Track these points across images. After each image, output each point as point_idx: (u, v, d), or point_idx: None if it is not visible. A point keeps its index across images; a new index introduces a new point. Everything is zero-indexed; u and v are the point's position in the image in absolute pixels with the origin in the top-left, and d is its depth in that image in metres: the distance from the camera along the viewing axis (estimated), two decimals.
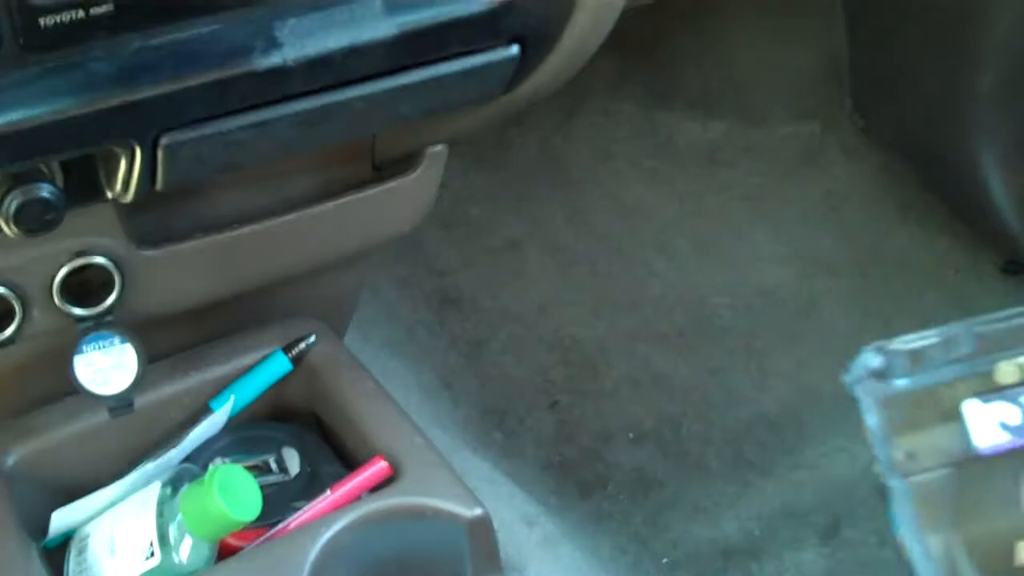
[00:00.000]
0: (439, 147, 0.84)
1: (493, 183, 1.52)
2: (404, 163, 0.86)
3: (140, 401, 0.84)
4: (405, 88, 0.66)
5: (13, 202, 0.64)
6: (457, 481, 0.80)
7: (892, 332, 0.64)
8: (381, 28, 0.63)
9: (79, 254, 0.78)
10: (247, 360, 0.91)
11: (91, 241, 0.78)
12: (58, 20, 0.58)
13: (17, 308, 0.79)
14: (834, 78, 1.56)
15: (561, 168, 1.52)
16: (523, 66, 0.69)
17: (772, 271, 1.41)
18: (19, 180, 0.65)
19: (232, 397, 0.88)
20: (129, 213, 0.78)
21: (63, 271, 0.79)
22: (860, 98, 1.52)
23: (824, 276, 1.40)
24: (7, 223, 0.65)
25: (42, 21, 0.58)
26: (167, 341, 0.90)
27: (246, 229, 0.83)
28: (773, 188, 1.50)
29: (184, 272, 0.83)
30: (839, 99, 1.56)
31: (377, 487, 0.81)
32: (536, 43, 0.61)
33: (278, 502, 0.83)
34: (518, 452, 1.21)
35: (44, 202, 0.65)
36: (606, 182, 1.49)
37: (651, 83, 1.54)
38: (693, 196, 1.48)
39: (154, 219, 0.81)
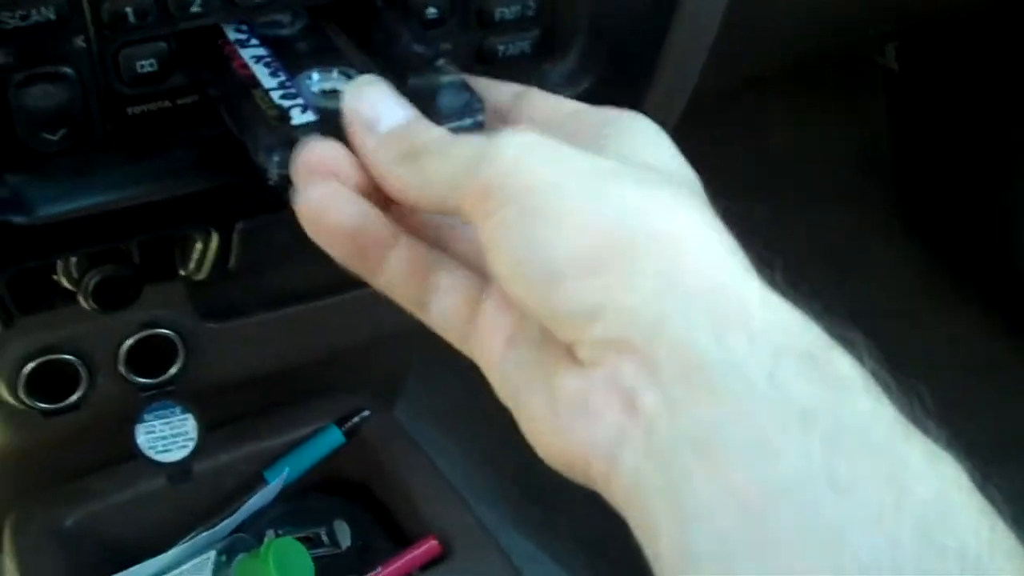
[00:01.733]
0: None
1: None
2: None
3: (196, 468, 0.86)
4: None
5: (93, 279, 0.67)
6: (507, 563, 0.82)
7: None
8: None
9: (146, 325, 0.81)
10: (302, 432, 0.93)
11: (158, 313, 0.81)
12: (146, 109, 0.61)
13: (83, 375, 0.81)
14: (875, 163, 1.58)
15: None
16: None
17: None
18: (99, 258, 0.67)
19: (287, 469, 0.90)
20: (195, 287, 0.81)
21: (130, 341, 0.81)
22: (901, 187, 1.54)
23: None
24: (86, 299, 0.68)
25: (130, 110, 0.60)
26: (224, 410, 0.92)
27: (306, 305, 0.86)
28: (809, 275, 1.51)
29: (246, 345, 0.86)
30: (880, 184, 1.57)
31: (427, 565, 0.83)
32: None
33: None
34: (557, 528, 1.22)
35: (122, 280, 0.67)
36: None
37: (690, 159, 1.56)
38: None
39: (219, 293, 0.84)
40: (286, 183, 0.49)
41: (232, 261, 0.70)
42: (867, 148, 1.56)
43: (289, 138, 0.50)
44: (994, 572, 0.34)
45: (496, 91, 0.52)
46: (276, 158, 0.50)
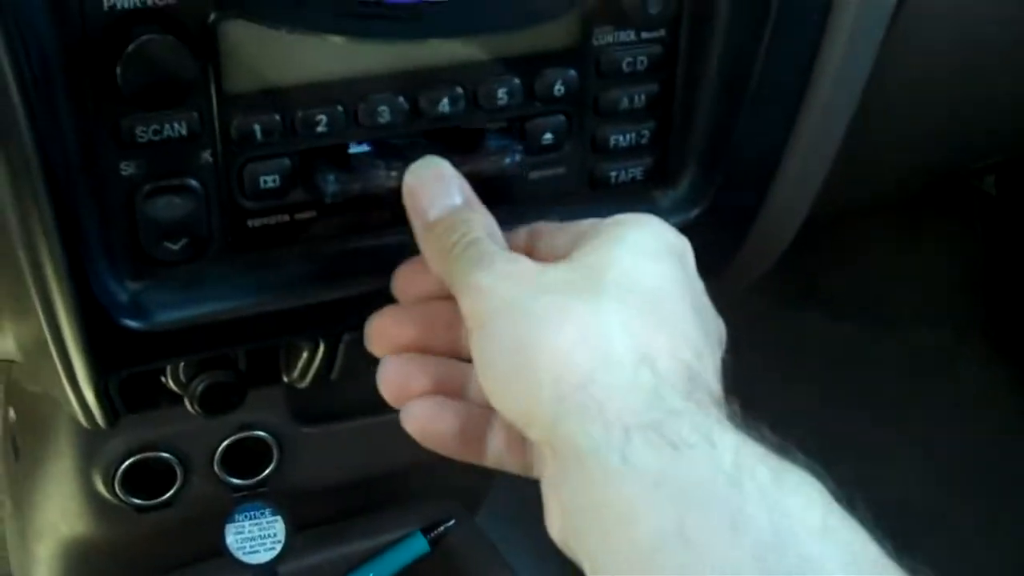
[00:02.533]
0: None
1: None
2: None
3: (282, 570, 0.86)
4: None
5: (200, 385, 0.68)
6: None
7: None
8: None
9: (243, 427, 0.82)
10: (387, 537, 0.93)
11: (256, 416, 0.81)
12: (265, 222, 0.62)
13: (179, 473, 0.82)
14: (969, 286, 1.56)
15: None
16: None
17: (900, 479, 1.40)
18: (207, 364, 0.68)
19: (371, 575, 0.90)
20: (292, 390, 0.81)
21: (226, 442, 0.82)
22: (995, 311, 1.52)
23: (954, 489, 1.39)
24: (191, 402, 0.69)
25: (250, 222, 0.62)
26: (312, 512, 0.93)
27: (398, 414, 0.86)
28: (901, 394, 1.49)
29: (338, 450, 0.86)
30: (974, 308, 1.55)
31: None
32: (706, 267, 0.63)
33: None
34: None
35: (229, 387, 0.68)
36: (734, 377, 1.50)
37: (785, 279, 1.56)
38: (821, 397, 1.48)
39: (315, 398, 0.84)
40: None
41: (336, 371, 0.71)
42: (963, 272, 1.54)
43: None
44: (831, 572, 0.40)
45: (513, 236, 0.58)
46: None
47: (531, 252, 0.56)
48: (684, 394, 0.46)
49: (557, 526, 0.49)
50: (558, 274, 0.51)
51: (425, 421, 0.57)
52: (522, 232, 0.58)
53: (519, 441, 0.55)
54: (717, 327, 0.54)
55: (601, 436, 0.45)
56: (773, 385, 1.50)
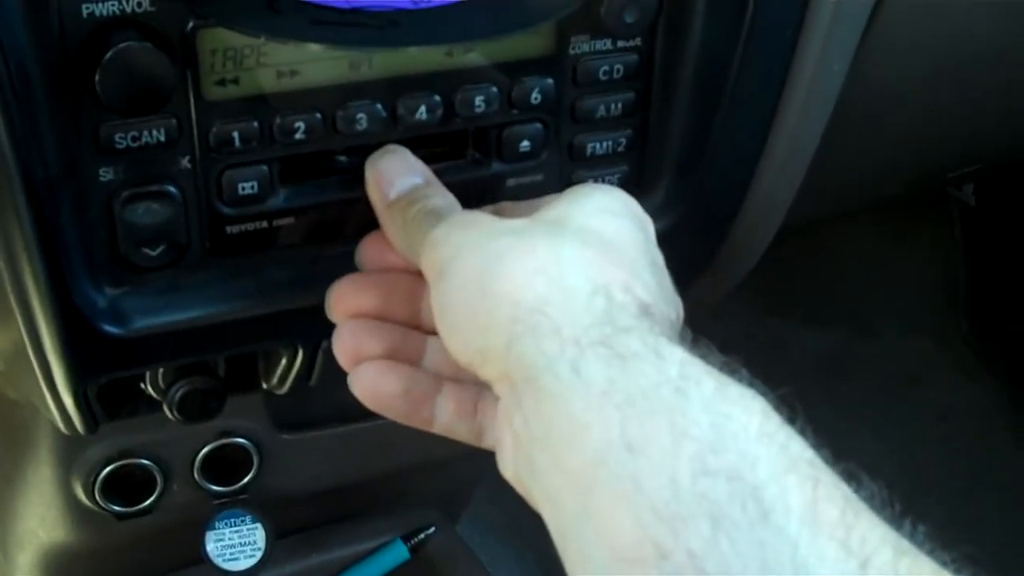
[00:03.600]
0: None
1: None
2: None
3: None
4: None
5: (179, 391, 0.68)
6: None
7: (1001, 562, 0.64)
8: None
9: (223, 434, 0.82)
10: (368, 545, 0.94)
11: (236, 423, 0.81)
12: (244, 229, 0.62)
13: (158, 480, 0.82)
14: (949, 296, 1.57)
15: None
16: None
17: (879, 487, 1.40)
18: (186, 371, 0.68)
19: None
20: (272, 398, 0.81)
21: (206, 449, 0.82)
22: (976, 320, 1.53)
23: (935, 498, 1.39)
24: (170, 409, 0.69)
25: (229, 229, 0.62)
26: (292, 519, 0.93)
27: (378, 421, 0.86)
28: (883, 403, 1.50)
29: (318, 457, 0.86)
30: (953, 318, 1.56)
31: None
32: (682, 275, 0.63)
33: None
34: None
35: (207, 393, 0.68)
36: None
37: (766, 289, 1.56)
38: (806, 405, 1.48)
39: (295, 405, 0.84)
40: None
41: (315, 377, 0.71)
42: (943, 281, 1.55)
43: None
44: (764, 483, 0.41)
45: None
46: None
47: None
48: (636, 317, 0.48)
49: (510, 462, 0.49)
50: (517, 224, 0.52)
51: (372, 383, 0.57)
52: (487, 211, 0.58)
53: (470, 405, 0.56)
54: (676, 303, 0.54)
55: (554, 352, 0.46)
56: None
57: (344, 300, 0.59)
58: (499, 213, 0.58)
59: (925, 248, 1.56)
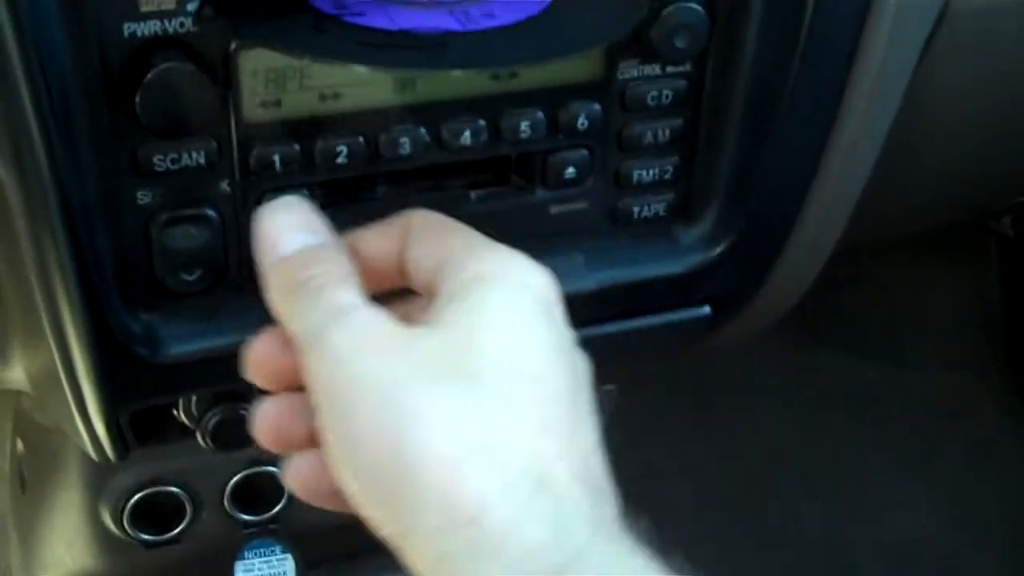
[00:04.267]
0: (611, 386, 0.85)
1: (633, 402, 1.52)
2: None
3: None
4: (599, 339, 0.68)
5: (214, 419, 0.67)
6: None
7: None
8: (582, 282, 0.65)
9: (254, 462, 0.81)
10: (398, 575, 0.92)
11: (268, 452, 0.80)
12: None
13: (188, 509, 0.81)
14: (986, 328, 1.55)
15: (705, 396, 1.52)
16: (715, 323, 0.70)
17: (918, 521, 1.38)
18: (220, 398, 0.67)
19: None
20: None
21: (236, 477, 0.81)
22: (1014, 352, 1.51)
23: (972, 531, 1.37)
24: (204, 437, 0.68)
25: None
26: (321, 550, 0.91)
27: None
28: (921, 436, 1.48)
29: None
30: (991, 350, 1.54)
31: None
32: (729, 304, 0.62)
33: None
34: None
35: (242, 421, 0.67)
36: (751, 415, 1.49)
37: (801, 319, 1.54)
38: (840, 438, 1.47)
39: None
40: None
41: None
42: (980, 313, 1.53)
43: None
44: None
45: (386, 230, 0.52)
46: None
47: (399, 259, 0.51)
48: (589, 521, 0.42)
49: None
50: (430, 345, 0.45)
51: (307, 479, 0.50)
52: (394, 229, 0.52)
53: None
54: (584, 370, 0.48)
55: None
56: (789, 426, 1.49)
57: (263, 364, 0.51)
58: (406, 239, 0.51)
59: (962, 279, 1.54)
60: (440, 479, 0.42)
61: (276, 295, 0.49)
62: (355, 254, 0.51)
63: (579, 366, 0.47)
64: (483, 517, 0.41)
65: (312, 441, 0.48)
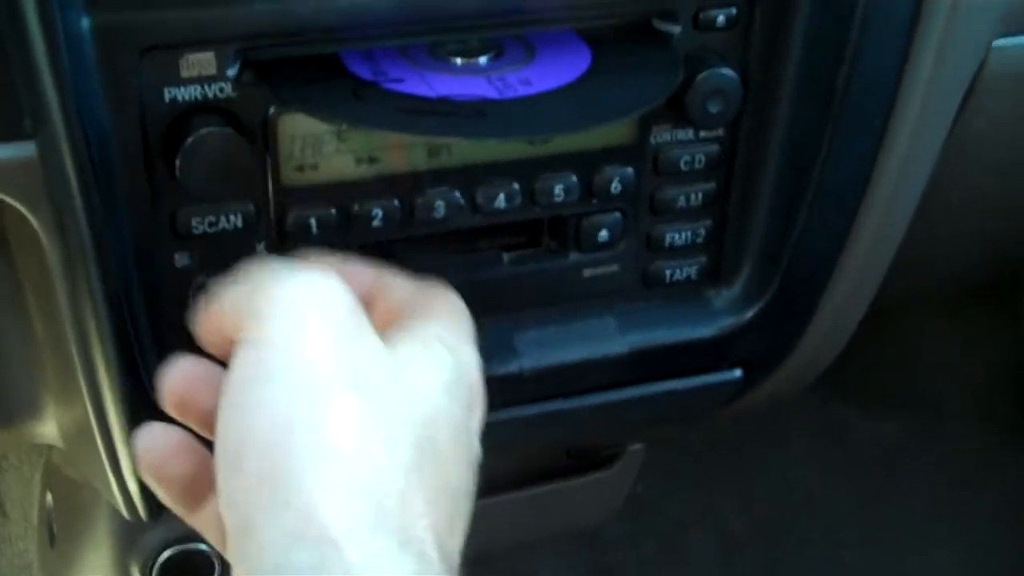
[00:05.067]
0: (639, 446, 0.85)
1: (662, 459, 1.51)
2: (597, 454, 0.87)
3: None
4: (629, 402, 0.68)
5: None
6: None
7: None
8: (614, 345, 0.66)
9: None
10: None
11: None
12: None
13: (217, 567, 0.81)
14: (1015, 386, 1.54)
15: (733, 450, 1.52)
16: (746, 386, 0.70)
17: None
18: None
19: None
20: None
21: None
22: None
23: None
24: None
25: None
26: None
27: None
28: (949, 493, 1.46)
29: None
30: (1019, 407, 1.53)
31: None
32: (760, 367, 0.62)
33: None
34: None
35: None
36: (778, 469, 1.48)
37: (829, 373, 1.53)
38: (867, 493, 1.45)
39: None
40: None
41: None
42: (1008, 368, 1.52)
43: None
44: None
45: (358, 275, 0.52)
46: None
47: (372, 300, 0.51)
48: None
49: None
50: (324, 370, 0.44)
51: (160, 456, 0.49)
52: (368, 278, 0.52)
53: None
54: (480, 403, 0.49)
55: None
56: (816, 480, 1.48)
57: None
58: (377, 288, 0.51)
59: (991, 335, 1.53)
60: (315, 501, 0.40)
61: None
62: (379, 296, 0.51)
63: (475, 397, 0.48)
64: (346, 545, 0.40)
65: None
